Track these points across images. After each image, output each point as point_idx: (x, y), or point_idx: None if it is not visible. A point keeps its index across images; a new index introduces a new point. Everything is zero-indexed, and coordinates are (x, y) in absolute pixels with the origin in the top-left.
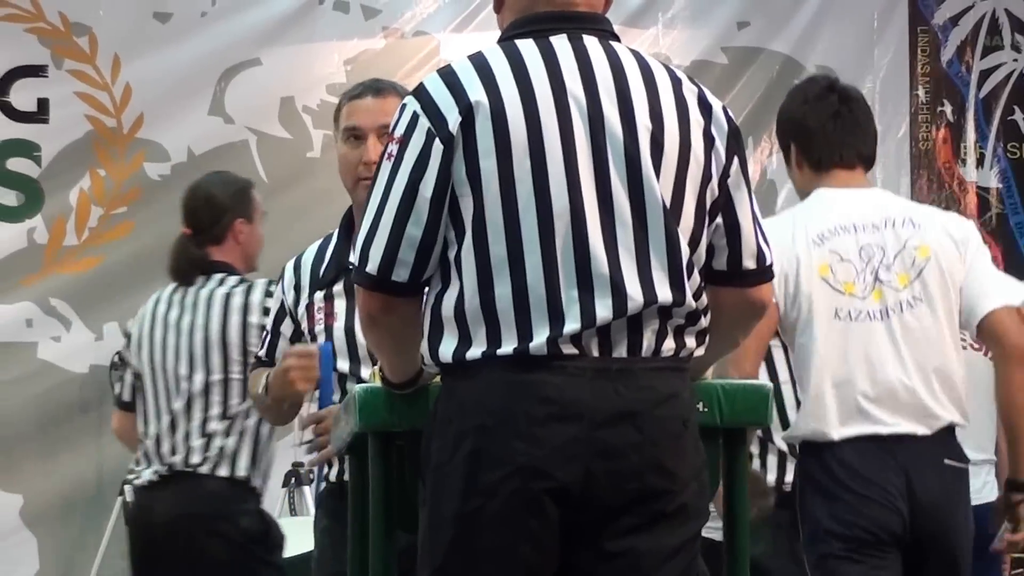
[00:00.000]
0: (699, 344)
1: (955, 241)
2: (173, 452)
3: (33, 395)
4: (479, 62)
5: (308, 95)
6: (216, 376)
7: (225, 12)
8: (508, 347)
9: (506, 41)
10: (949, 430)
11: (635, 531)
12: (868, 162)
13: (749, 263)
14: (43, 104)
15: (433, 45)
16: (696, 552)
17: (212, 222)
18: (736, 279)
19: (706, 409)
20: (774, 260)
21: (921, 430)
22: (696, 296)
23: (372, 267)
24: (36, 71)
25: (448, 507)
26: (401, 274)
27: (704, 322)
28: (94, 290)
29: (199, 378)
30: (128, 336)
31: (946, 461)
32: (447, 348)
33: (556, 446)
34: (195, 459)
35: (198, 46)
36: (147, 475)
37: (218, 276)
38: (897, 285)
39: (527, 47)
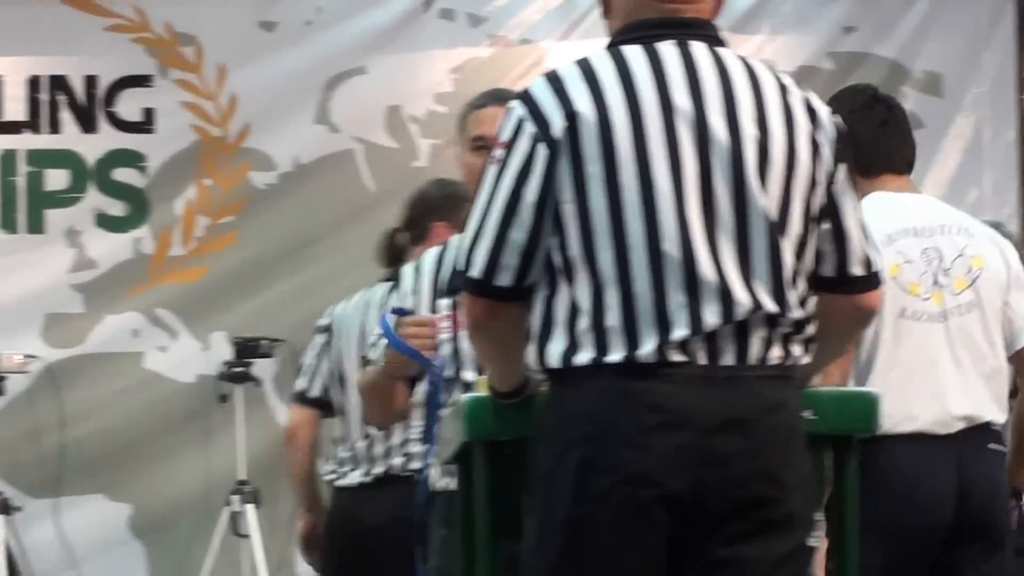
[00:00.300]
0: (806, 352)
1: (1004, 258)
2: (387, 455)
3: (140, 405)
4: (585, 67)
5: (414, 104)
6: None
7: (330, 21)
8: (616, 355)
9: (613, 47)
10: (991, 424)
11: (743, 539)
12: (911, 168)
13: (856, 269)
14: (149, 114)
15: (539, 53)
16: (805, 561)
17: (415, 222)
18: (844, 286)
19: (814, 417)
20: None
21: (970, 424)
22: (802, 304)
23: (476, 272)
24: (142, 81)
25: (557, 515)
26: (505, 279)
27: (810, 330)
28: (200, 300)
29: (421, 387)
30: (324, 330)
31: (990, 446)
32: (554, 353)
33: (665, 454)
34: (416, 464)
35: (303, 55)
36: (356, 476)
37: None
38: (954, 289)
39: (633, 53)
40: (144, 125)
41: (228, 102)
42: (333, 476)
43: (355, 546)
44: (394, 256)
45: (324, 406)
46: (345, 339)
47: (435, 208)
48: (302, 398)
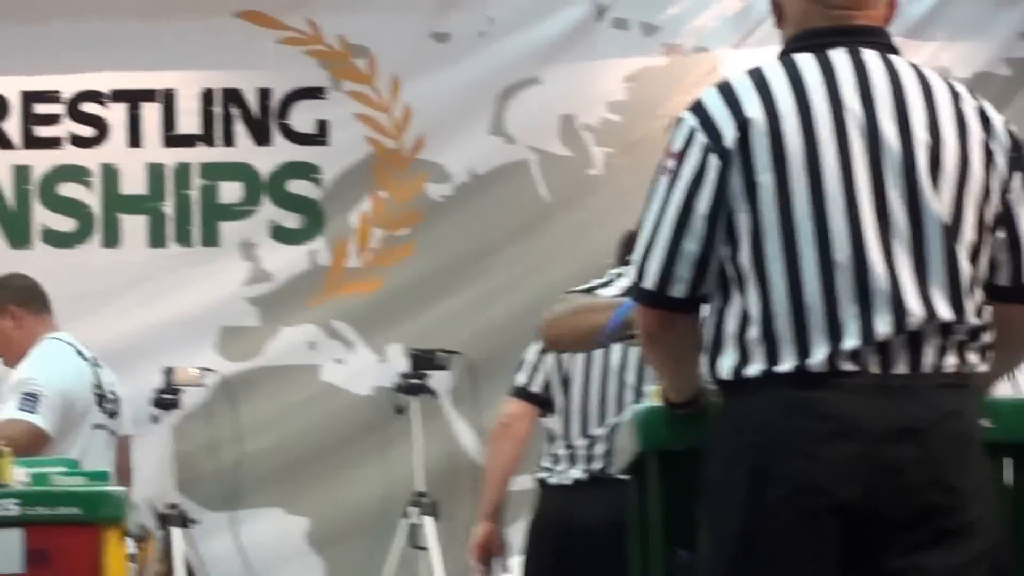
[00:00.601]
0: (983, 360)
1: None
2: (608, 455)
3: (316, 418)
4: (756, 77)
5: (588, 113)
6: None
7: (503, 31)
8: (787, 364)
9: (784, 55)
10: None
11: (918, 548)
12: None
13: None
14: (323, 126)
15: (713, 61)
16: (984, 572)
17: None
18: (1019, 295)
19: (993, 425)
20: None
21: None
22: (978, 312)
23: (650, 283)
24: (315, 93)
25: (729, 525)
26: (678, 290)
27: (987, 338)
28: (376, 312)
29: (639, 386)
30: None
31: None
32: (726, 364)
33: (837, 463)
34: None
35: (477, 65)
36: (573, 475)
37: None
38: None
39: (805, 61)
40: (318, 137)
41: (402, 114)
42: (546, 474)
43: (566, 548)
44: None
45: (543, 403)
46: None
47: None
48: (522, 392)
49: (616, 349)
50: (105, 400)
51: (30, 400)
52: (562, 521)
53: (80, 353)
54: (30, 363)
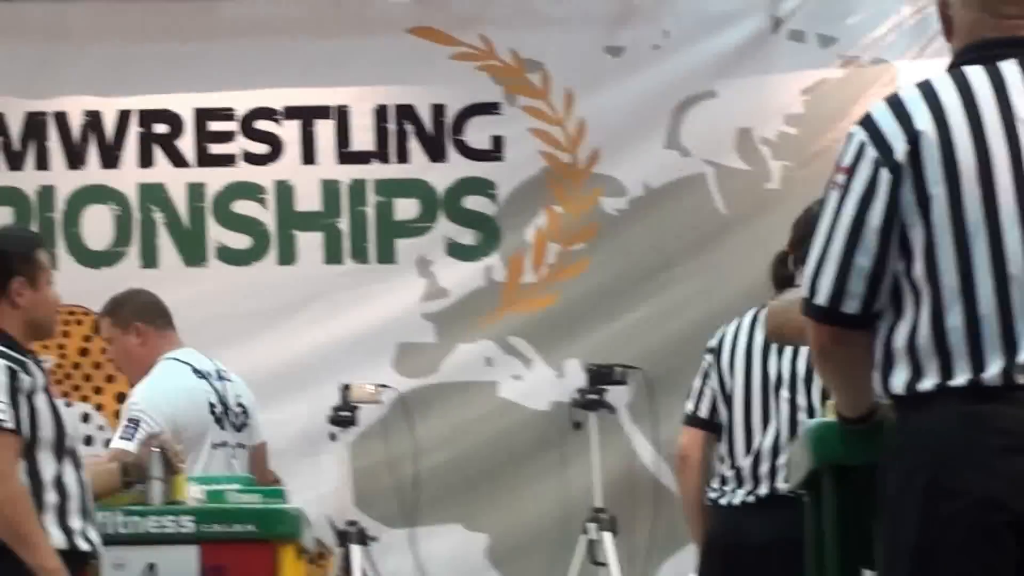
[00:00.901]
0: None
1: None
2: (772, 474)
3: (494, 434)
4: (926, 90)
5: (765, 126)
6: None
7: (677, 44)
8: (961, 378)
9: (953, 67)
10: None
11: None
12: None
13: None
14: (498, 141)
15: (891, 72)
16: None
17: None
18: None
19: None
20: None
21: None
22: None
23: (822, 299)
24: (490, 109)
25: (904, 540)
26: (851, 306)
27: None
28: (553, 327)
29: (802, 401)
30: (711, 352)
31: None
32: (899, 380)
33: (1013, 477)
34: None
35: (651, 79)
36: (740, 495)
37: None
38: None
39: (975, 73)
40: (493, 153)
41: (576, 128)
42: (716, 495)
43: (737, 568)
44: (784, 279)
45: (714, 427)
46: (727, 358)
47: None
48: (692, 419)
49: (774, 363)
50: (229, 415)
51: (131, 427)
52: (732, 541)
53: (198, 371)
54: (141, 386)
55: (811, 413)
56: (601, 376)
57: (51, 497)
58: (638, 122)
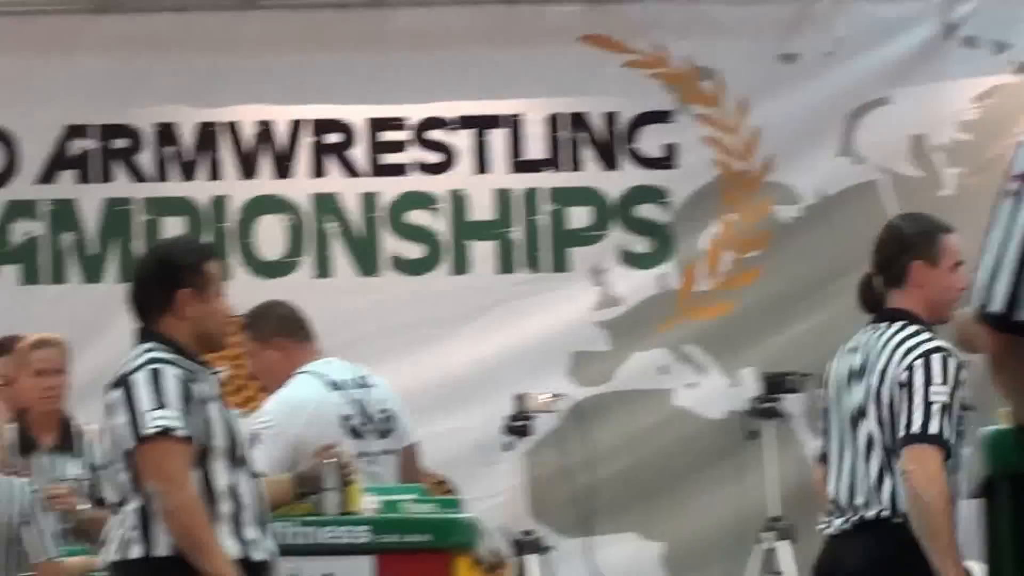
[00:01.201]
0: None
1: None
2: (853, 495)
3: (668, 442)
4: None
5: (939, 133)
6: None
7: (850, 51)
8: None
9: None
10: None
11: None
12: None
13: None
14: (671, 149)
15: None
16: None
17: (891, 262)
18: None
19: None
20: None
21: None
22: None
23: (997, 306)
24: (663, 117)
25: None
26: None
27: None
28: (727, 335)
29: (876, 431)
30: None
31: None
32: None
33: None
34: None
35: (824, 86)
36: (836, 523)
37: (899, 323)
38: None
39: None
40: (665, 161)
41: (750, 136)
42: (823, 525)
43: None
44: (874, 301)
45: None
46: (826, 389)
47: (911, 246)
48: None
49: (846, 392)
50: (373, 422)
51: (252, 440)
52: (829, 569)
53: (333, 383)
54: (269, 401)
55: (893, 440)
56: (776, 384)
57: (225, 507)
58: (811, 129)
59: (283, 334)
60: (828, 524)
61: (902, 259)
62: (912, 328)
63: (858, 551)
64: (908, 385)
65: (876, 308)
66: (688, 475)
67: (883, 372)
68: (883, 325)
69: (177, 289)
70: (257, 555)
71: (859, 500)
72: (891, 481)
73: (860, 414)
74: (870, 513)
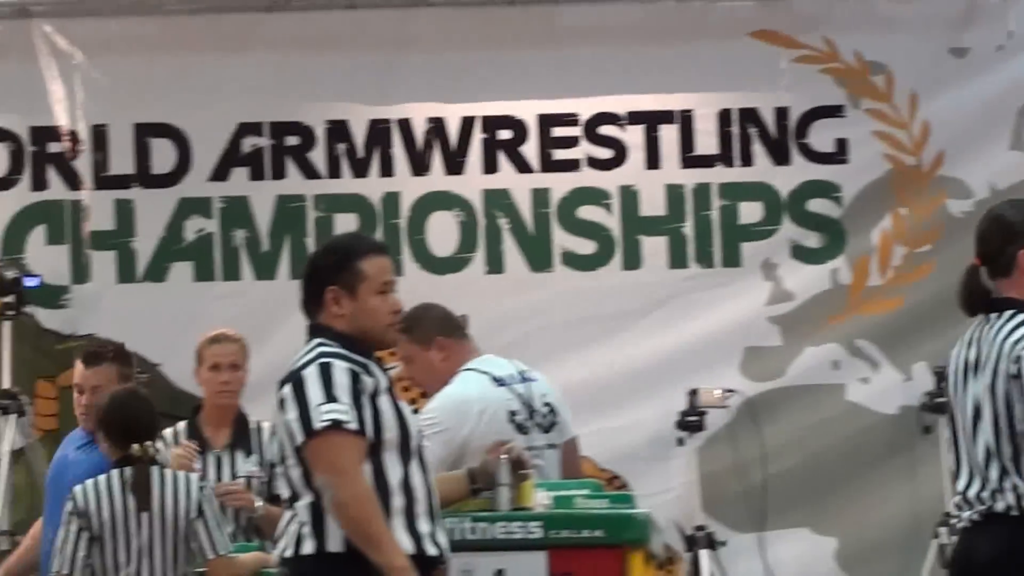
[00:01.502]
0: None
1: None
2: (984, 490)
3: (841, 437)
4: None
5: None
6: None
7: (1022, 45)
8: None
9: None
10: None
11: None
12: None
13: None
14: (841, 144)
15: None
16: None
17: (998, 252)
18: None
19: None
20: None
21: None
22: None
23: None
24: (833, 111)
25: None
26: None
27: None
28: (899, 330)
29: (1002, 424)
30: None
31: None
32: None
33: None
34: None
35: (995, 80)
36: (966, 516)
37: (1008, 313)
38: None
39: None
40: (837, 156)
41: (920, 130)
42: (955, 520)
43: None
44: (981, 293)
45: None
46: (949, 383)
47: (1016, 234)
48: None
49: (964, 387)
50: (535, 416)
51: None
52: (962, 562)
53: (498, 379)
54: (436, 399)
55: (1012, 435)
56: None
57: (398, 500)
58: (983, 124)
59: (444, 334)
60: (959, 518)
61: (1008, 249)
62: (1020, 318)
63: (990, 542)
64: (1019, 377)
65: (982, 301)
66: (861, 470)
67: (995, 366)
68: (993, 316)
69: (324, 287)
70: (431, 549)
71: (985, 494)
72: (1013, 477)
73: (977, 409)
74: (999, 506)
